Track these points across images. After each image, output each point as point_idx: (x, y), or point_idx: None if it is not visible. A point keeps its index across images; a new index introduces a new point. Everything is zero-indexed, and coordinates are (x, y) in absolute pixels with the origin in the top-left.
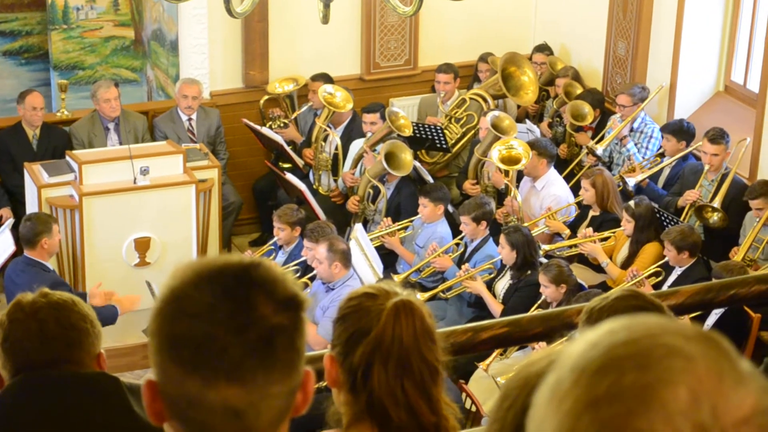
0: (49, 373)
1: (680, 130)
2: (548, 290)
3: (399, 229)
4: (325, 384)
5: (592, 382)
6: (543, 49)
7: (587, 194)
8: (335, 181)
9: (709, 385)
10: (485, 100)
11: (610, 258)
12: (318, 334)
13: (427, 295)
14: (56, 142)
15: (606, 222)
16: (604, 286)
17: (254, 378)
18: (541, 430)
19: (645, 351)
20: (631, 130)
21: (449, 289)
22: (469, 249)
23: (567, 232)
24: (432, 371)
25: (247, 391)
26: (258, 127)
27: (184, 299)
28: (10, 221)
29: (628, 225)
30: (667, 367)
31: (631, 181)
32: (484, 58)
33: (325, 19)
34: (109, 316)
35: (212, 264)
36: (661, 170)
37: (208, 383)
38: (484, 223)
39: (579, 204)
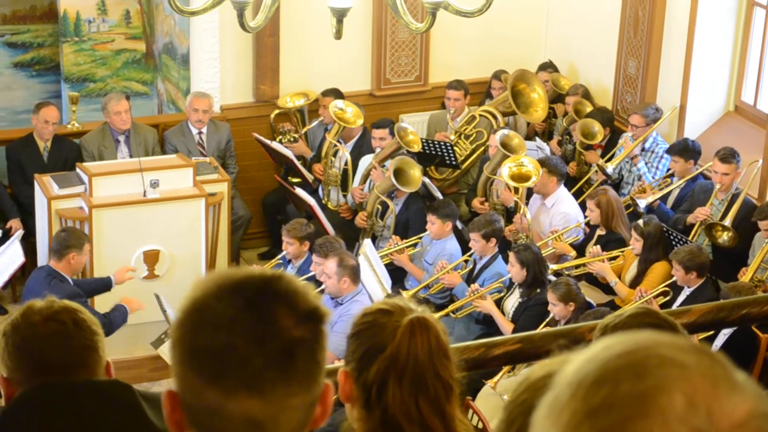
0: (64, 381)
1: (686, 150)
2: (557, 308)
3: (408, 246)
4: (335, 397)
5: (589, 393)
6: (547, 66)
7: (593, 214)
8: (344, 196)
9: (704, 391)
10: (495, 117)
11: (619, 277)
12: None
13: (437, 315)
14: (67, 154)
15: (611, 242)
16: (612, 305)
17: (274, 389)
18: None
19: (640, 361)
20: (643, 149)
21: (459, 308)
22: (478, 266)
23: (573, 253)
24: (446, 388)
25: (267, 402)
26: (268, 141)
27: (206, 311)
28: (20, 232)
29: (636, 244)
30: (663, 375)
31: (642, 203)
32: (497, 76)
33: (338, 35)
34: (120, 317)
35: (234, 276)
36: (670, 191)
37: (228, 394)
38: (493, 241)
39: (587, 224)
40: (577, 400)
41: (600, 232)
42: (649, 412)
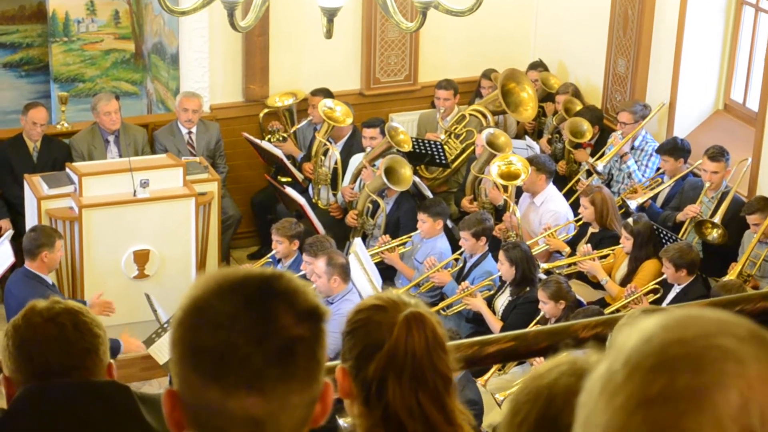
0: (62, 381)
1: (676, 149)
2: (547, 306)
3: (398, 245)
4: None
5: (645, 380)
6: (537, 65)
7: (586, 212)
8: (334, 195)
9: (760, 390)
10: (485, 116)
11: (609, 275)
12: None
13: None
14: (56, 154)
15: (605, 239)
16: (602, 303)
17: (274, 388)
18: (590, 421)
19: (699, 352)
20: (632, 147)
21: (449, 306)
22: (468, 264)
23: (567, 249)
24: (445, 381)
25: (267, 400)
26: (258, 140)
27: (207, 309)
28: (10, 233)
29: (626, 242)
30: (720, 370)
31: (633, 203)
32: (487, 75)
33: (329, 34)
34: (113, 348)
35: (234, 275)
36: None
37: (228, 393)
38: (483, 239)
39: (578, 221)
40: (633, 384)
41: (593, 229)
42: (704, 408)
